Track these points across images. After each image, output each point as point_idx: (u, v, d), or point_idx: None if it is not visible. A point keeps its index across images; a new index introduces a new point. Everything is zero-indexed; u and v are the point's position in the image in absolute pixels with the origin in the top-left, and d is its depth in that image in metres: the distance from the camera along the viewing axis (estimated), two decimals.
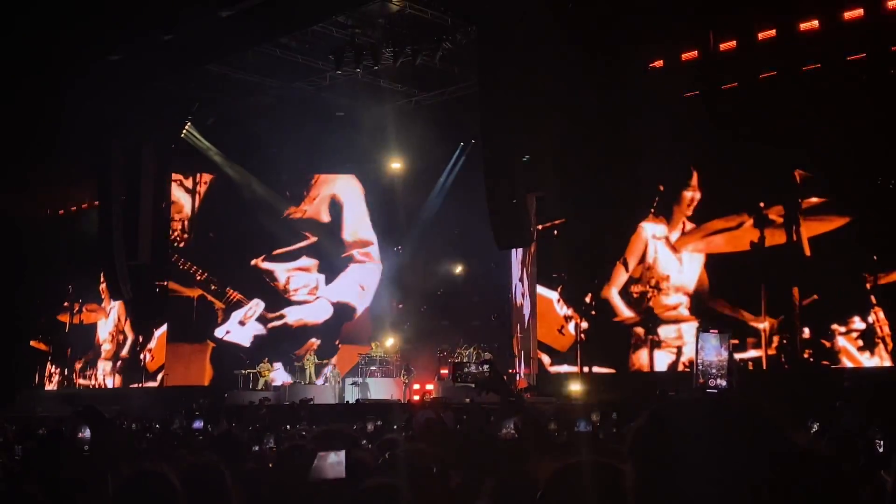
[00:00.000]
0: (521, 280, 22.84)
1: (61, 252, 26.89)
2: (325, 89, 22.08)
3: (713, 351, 14.26)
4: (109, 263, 22.99)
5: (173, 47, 18.91)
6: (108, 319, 27.86)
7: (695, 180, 18.22)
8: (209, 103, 22.71)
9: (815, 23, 15.80)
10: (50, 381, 28.83)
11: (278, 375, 24.39)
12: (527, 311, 22.26)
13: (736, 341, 15.46)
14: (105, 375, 27.66)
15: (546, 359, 20.43)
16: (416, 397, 20.96)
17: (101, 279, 25.92)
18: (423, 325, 23.89)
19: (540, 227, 20.27)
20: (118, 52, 19.04)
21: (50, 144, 21.87)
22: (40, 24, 17.04)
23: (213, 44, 18.88)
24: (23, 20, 16.71)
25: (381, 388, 22.28)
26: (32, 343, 29.03)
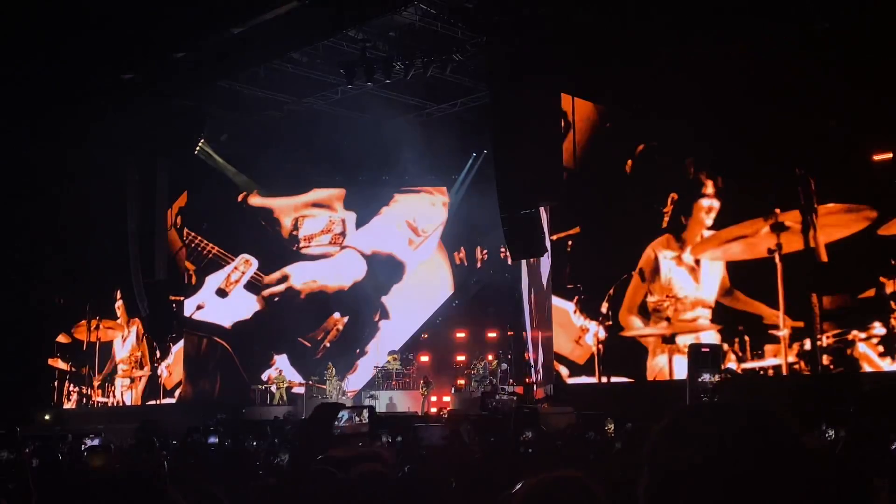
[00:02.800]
0: (531, 290, 22.74)
1: (78, 270, 27.03)
2: (337, 104, 22.17)
3: (706, 369, 14.23)
4: (126, 281, 23.12)
5: (186, 65, 19.06)
6: (126, 336, 27.96)
7: (711, 188, 18.10)
8: (222, 120, 22.83)
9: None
10: (68, 400, 28.94)
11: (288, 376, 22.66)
12: (538, 321, 22.16)
13: (729, 361, 15.40)
14: (123, 392, 27.74)
15: (564, 370, 20.30)
16: (434, 410, 20.92)
17: (118, 296, 26.01)
18: (439, 337, 23.86)
19: (554, 237, 20.19)
20: (131, 71, 19.19)
21: (64, 164, 22.05)
22: (54, 45, 17.22)
23: (224, 61, 19.01)
24: (36, 41, 16.87)
25: (398, 401, 22.20)
26: (50, 361, 29.17)
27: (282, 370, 22.29)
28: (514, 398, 18.74)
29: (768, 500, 1.26)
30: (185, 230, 22.93)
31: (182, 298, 24.95)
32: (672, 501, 1.31)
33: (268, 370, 22.62)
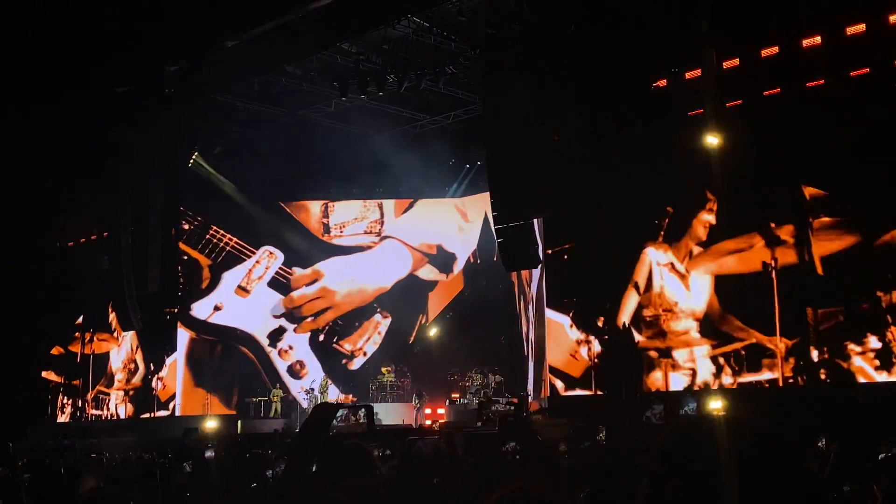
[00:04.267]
0: (524, 302, 22.69)
1: (72, 282, 26.92)
2: (331, 116, 22.17)
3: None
4: (119, 293, 23.03)
5: (180, 78, 19.05)
6: (121, 349, 27.82)
7: (711, 203, 18.06)
8: (216, 132, 22.80)
9: (818, 38, 15.75)
10: (62, 413, 28.78)
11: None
12: (532, 333, 22.10)
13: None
14: (117, 405, 27.58)
15: (560, 384, 20.23)
16: (428, 422, 20.82)
17: (111, 309, 25.91)
18: (433, 349, 23.78)
19: (549, 251, 20.15)
20: (125, 84, 19.17)
21: (58, 176, 22.01)
22: (48, 57, 17.19)
23: (219, 73, 19.01)
24: (30, 53, 16.85)
25: (392, 414, 22.11)
26: (44, 374, 29.02)
27: (314, 386, 21.17)
28: (511, 408, 18.69)
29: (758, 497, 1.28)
30: (196, 217, 20.78)
31: (176, 310, 24.27)
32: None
33: (299, 381, 21.62)
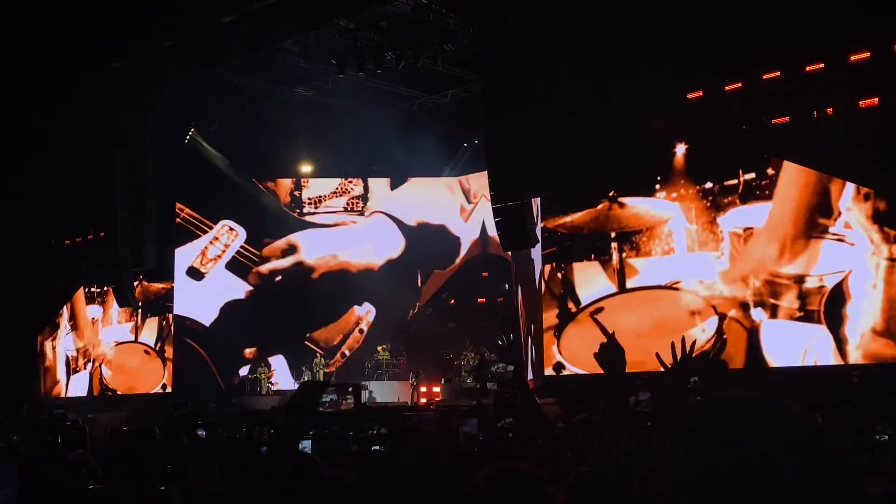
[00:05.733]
0: (521, 284, 22.72)
1: (64, 257, 26.86)
2: (328, 93, 22.10)
3: None
4: (116, 271, 22.94)
5: (176, 53, 18.94)
6: (111, 326, 27.76)
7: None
8: (213, 109, 22.71)
9: (822, 65, 15.53)
10: (55, 388, 28.79)
11: (280, 379, 22.05)
12: (529, 313, 22.16)
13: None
14: (106, 382, 27.57)
15: (557, 363, 20.31)
16: (424, 400, 20.93)
17: (100, 287, 25.88)
18: (428, 328, 23.83)
19: (550, 225, 20.23)
20: (120, 60, 19.06)
21: (54, 154, 21.91)
22: (41, 34, 17.07)
23: (215, 49, 18.89)
24: (23, 30, 16.74)
25: (388, 392, 22.20)
26: (37, 351, 29.02)
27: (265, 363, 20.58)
28: (510, 370, 18.71)
29: (798, 495, 1.25)
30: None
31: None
32: (699, 490, 1.30)
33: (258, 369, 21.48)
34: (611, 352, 3.21)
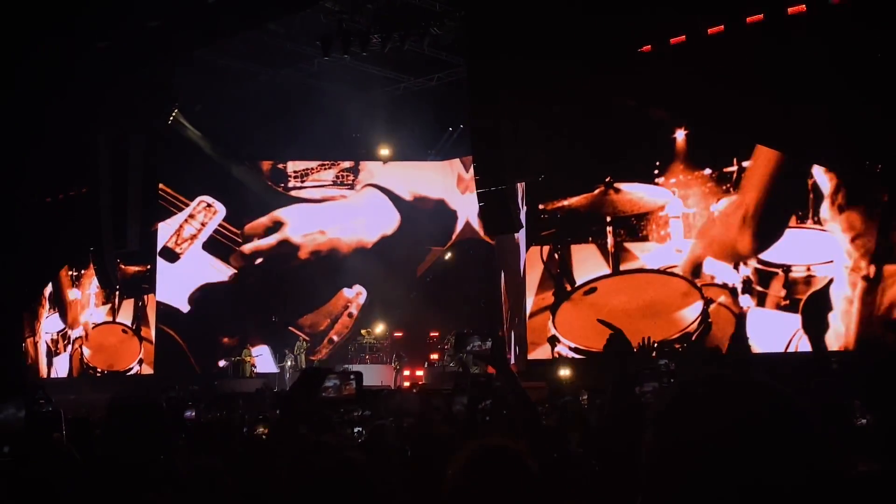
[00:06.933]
0: (506, 270, 22.78)
1: (46, 239, 26.61)
2: (314, 76, 22.02)
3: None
4: (98, 252, 22.79)
5: (160, 34, 18.77)
6: (90, 306, 27.58)
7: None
8: (197, 90, 22.56)
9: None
10: (43, 367, 28.61)
11: (262, 363, 22.09)
12: (513, 300, 22.24)
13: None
14: (87, 360, 27.43)
15: (542, 346, 20.43)
16: (406, 384, 21.00)
17: (84, 267, 25.70)
18: (412, 312, 23.86)
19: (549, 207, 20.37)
20: (104, 40, 18.88)
21: (36, 134, 21.68)
22: (25, 13, 16.87)
23: (200, 30, 18.75)
24: (4, 10, 16.54)
25: (371, 375, 22.23)
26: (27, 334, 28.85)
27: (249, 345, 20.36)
28: (486, 346, 18.72)
29: (778, 476, 1.25)
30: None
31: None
32: (678, 466, 1.30)
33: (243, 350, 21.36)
34: (620, 346, 3.24)
